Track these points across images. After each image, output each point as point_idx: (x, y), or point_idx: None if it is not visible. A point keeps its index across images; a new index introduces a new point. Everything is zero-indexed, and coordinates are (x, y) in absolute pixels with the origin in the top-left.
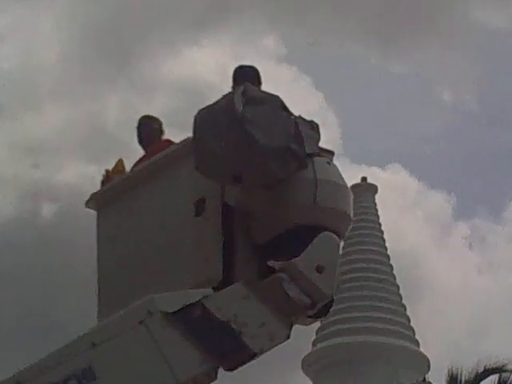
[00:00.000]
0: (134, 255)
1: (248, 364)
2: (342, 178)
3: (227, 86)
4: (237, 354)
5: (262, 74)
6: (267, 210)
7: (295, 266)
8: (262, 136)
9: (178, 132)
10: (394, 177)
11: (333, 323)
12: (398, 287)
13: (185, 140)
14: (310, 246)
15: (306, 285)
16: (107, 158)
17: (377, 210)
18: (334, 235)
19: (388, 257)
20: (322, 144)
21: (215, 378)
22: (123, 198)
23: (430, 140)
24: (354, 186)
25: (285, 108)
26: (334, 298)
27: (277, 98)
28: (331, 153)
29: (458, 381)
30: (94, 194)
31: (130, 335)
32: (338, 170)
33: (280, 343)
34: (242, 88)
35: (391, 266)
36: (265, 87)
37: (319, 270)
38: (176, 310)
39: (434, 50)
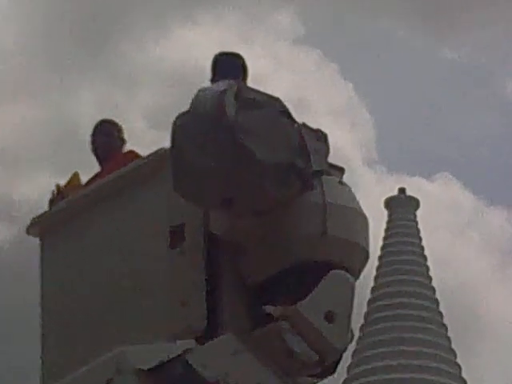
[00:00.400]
0: (88, 298)
1: None
2: (358, 203)
3: None
4: None
5: (275, 58)
6: (262, 242)
7: (299, 313)
8: (259, 149)
9: (166, 135)
10: (442, 189)
11: (366, 360)
12: (446, 328)
13: (157, 152)
14: (317, 287)
15: (313, 336)
16: (80, 168)
17: (418, 229)
18: (347, 274)
19: (433, 290)
20: (346, 150)
21: None
22: (74, 224)
23: (488, 144)
24: (390, 200)
25: (287, 114)
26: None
27: (277, 100)
28: (341, 170)
29: None
30: (38, 217)
31: None
32: (351, 191)
33: None
34: (234, 88)
35: (437, 302)
36: (279, 76)
37: (329, 317)
38: (152, 366)
39: (495, 30)
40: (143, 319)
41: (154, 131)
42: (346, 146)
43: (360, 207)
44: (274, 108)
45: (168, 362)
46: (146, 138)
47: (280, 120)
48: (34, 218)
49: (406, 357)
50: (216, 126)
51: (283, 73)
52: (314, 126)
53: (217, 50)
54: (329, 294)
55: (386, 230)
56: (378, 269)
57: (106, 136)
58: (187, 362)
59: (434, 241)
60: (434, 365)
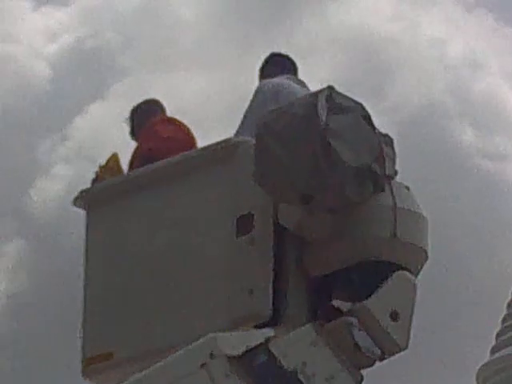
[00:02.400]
0: (138, 275)
1: None
2: (421, 208)
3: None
4: None
5: None
6: (331, 239)
7: (368, 310)
8: (344, 151)
9: None
10: None
11: None
12: None
13: (225, 141)
14: (383, 286)
15: (379, 333)
16: None
17: None
18: (412, 276)
19: None
20: None
21: None
22: (127, 201)
23: None
24: None
25: (368, 119)
26: None
27: (361, 106)
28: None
29: None
30: (86, 190)
31: (190, 381)
32: (415, 197)
33: None
34: (326, 91)
35: None
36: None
37: (394, 316)
38: (240, 353)
39: None
40: (202, 302)
41: None
42: None
43: (424, 213)
44: (358, 113)
45: (253, 349)
46: None
47: (363, 125)
48: (82, 190)
49: None
50: (308, 126)
51: (459, 37)
52: (490, 88)
53: (392, 16)
54: (394, 294)
55: None
56: None
57: (142, 114)
58: (269, 350)
59: None
60: None
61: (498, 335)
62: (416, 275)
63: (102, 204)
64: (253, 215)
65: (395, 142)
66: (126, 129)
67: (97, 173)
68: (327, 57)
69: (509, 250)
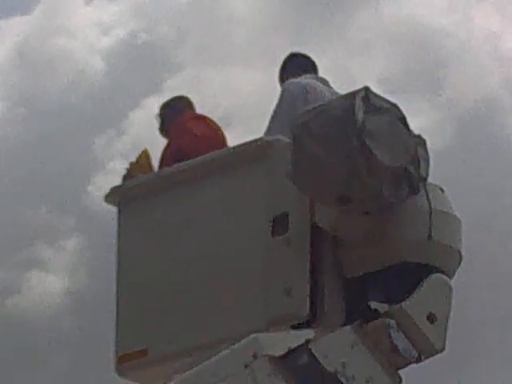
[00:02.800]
0: (172, 272)
1: None
2: (454, 209)
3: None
4: None
5: None
6: (367, 240)
7: (405, 312)
8: (382, 153)
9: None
10: None
11: None
12: None
13: (257, 141)
14: (420, 288)
15: (416, 335)
16: None
17: None
18: (448, 278)
19: None
20: None
21: None
22: (160, 198)
23: None
24: None
25: (404, 121)
26: None
27: (397, 107)
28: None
29: None
30: (117, 187)
31: (235, 380)
32: (449, 198)
33: None
34: (362, 92)
35: None
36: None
37: (431, 318)
38: (282, 354)
39: None
40: (237, 302)
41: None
42: None
43: (458, 215)
44: (393, 114)
45: (294, 350)
46: None
47: (399, 127)
48: (113, 187)
49: None
50: (346, 127)
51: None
52: None
53: (445, 9)
54: (431, 297)
55: None
56: None
57: (170, 112)
58: (311, 351)
59: None
60: None
61: None
62: (451, 277)
63: (133, 201)
64: (288, 215)
65: (453, 136)
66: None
67: (128, 169)
68: (381, 51)
69: None
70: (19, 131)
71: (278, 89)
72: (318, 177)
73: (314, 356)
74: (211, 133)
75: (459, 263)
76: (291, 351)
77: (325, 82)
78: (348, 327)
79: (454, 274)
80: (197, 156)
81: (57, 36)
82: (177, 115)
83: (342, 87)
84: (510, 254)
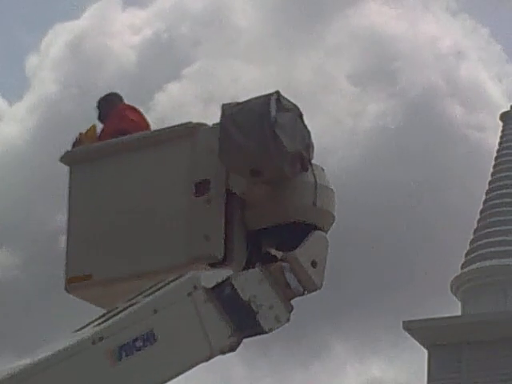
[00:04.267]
0: (113, 218)
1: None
2: (331, 183)
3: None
4: (251, 330)
5: None
6: (267, 203)
7: (296, 258)
8: (286, 140)
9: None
10: None
11: (482, 246)
12: None
13: (187, 123)
14: (306, 241)
15: (303, 276)
16: None
17: None
18: (325, 234)
19: None
20: None
21: (235, 350)
22: (104, 161)
23: None
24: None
25: (302, 117)
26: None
27: (297, 107)
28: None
29: None
30: (69, 151)
31: (181, 305)
32: (327, 175)
33: (283, 325)
34: (275, 95)
35: None
36: None
37: (313, 264)
38: (212, 286)
39: None
40: (166, 243)
41: None
42: None
43: (332, 186)
44: (296, 112)
45: (221, 283)
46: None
47: (298, 122)
48: (67, 151)
49: None
50: (262, 120)
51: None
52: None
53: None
54: (314, 247)
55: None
56: (494, 166)
57: (107, 103)
58: (232, 284)
59: None
60: None
61: (466, 254)
62: (327, 233)
63: (82, 163)
64: (209, 181)
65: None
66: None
67: (77, 138)
68: (349, 52)
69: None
70: (71, 108)
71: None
72: (237, 155)
73: (235, 288)
74: (141, 119)
75: (333, 223)
76: (219, 284)
77: None
78: (257, 268)
79: (328, 231)
80: (129, 133)
81: (100, 35)
82: (111, 106)
83: (319, 81)
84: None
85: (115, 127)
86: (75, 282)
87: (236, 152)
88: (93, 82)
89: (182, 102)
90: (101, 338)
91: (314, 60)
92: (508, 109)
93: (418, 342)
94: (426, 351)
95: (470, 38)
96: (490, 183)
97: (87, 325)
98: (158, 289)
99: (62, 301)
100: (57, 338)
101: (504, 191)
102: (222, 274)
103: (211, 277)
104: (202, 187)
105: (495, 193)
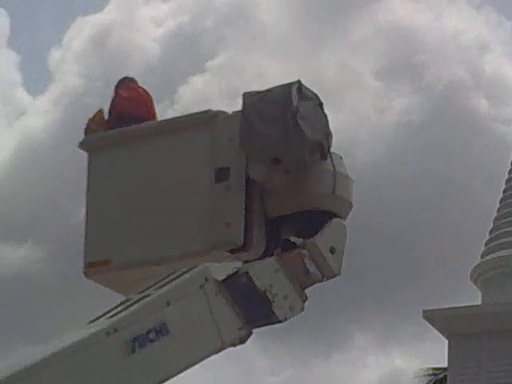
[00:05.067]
0: (132, 203)
1: None
2: (349, 171)
3: None
4: (266, 319)
5: None
6: (287, 190)
7: (315, 245)
8: (307, 130)
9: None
10: None
11: (500, 236)
12: None
13: (207, 111)
14: (324, 229)
15: (322, 262)
16: None
17: None
18: (344, 222)
19: None
20: None
21: (245, 342)
22: (124, 147)
23: None
24: None
25: (322, 106)
26: None
27: (317, 97)
28: None
29: None
30: (88, 137)
31: (193, 297)
32: (346, 164)
33: (297, 314)
34: (296, 84)
35: None
36: None
37: (332, 251)
38: (224, 278)
39: None
40: (186, 230)
41: None
42: None
43: (350, 174)
44: (316, 101)
45: (236, 273)
46: None
47: (318, 111)
48: (85, 138)
49: None
50: (284, 110)
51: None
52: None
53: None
54: (332, 235)
55: None
56: None
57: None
58: (248, 274)
59: None
60: None
61: (486, 243)
62: (345, 220)
63: (101, 149)
64: (229, 168)
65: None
66: None
67: (87, 124)
68: (374, 47)
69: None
70: (95, 100)
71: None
72: (259, 143)
73: (251, 278)
74: (135, 94)
75: (350, 211)
76: (234, 274)
77: None
78: (273, 258)
79: (346, 218)
80: (127, 112)
81: (123, 28)
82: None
83: (344, 77)
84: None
85: (110, 110)
86: (94, 267)
87: (257, 140)
88: (116, 75)
89: (205, 95)
90: (115, 330)
91: (338, 55)
92: None
93: (438, 331)
94: (446, 341)
95: (494, 32)
96: (509, 172)
97: (101, 316)
98: (171, 281)
99: (85, 293)
100: (71, 329)
101: None
102: (232, 266)
103: (222, 269)
104: (222, 174)
105: None
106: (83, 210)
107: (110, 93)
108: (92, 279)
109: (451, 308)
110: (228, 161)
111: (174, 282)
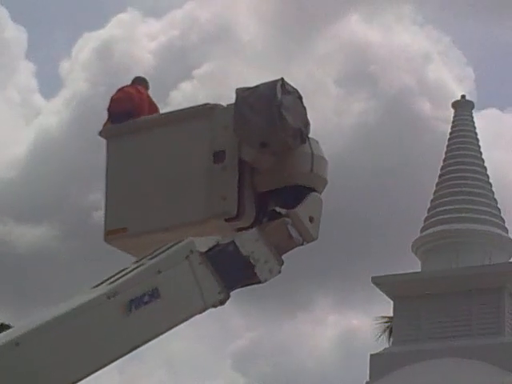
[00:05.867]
0: (144, 181)
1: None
2: (324, 153)
3: None
4: (249, 280)
5: None
6: (273, 170)
7: (297, 214)
8: (290, 119)
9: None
10: None
11: (437, 213)
12: (490, 185)
13: (205, 104)
14: (304, 201)
15: (302, 229)
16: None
17: (474, 122)
18: (320, 196)
19: (483, 161)
20: None
21: (224, 303)
22: (137, 134)
23: None
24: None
25: (301, 99)
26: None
27: (298, 91)
28: None
29: None
30: (106, 127)
31: (180, 267)
32: (321, 147)
33: (275, 276)
34: (280, 81)
35: (485, 168)
36: None
37: (311, 219)
38: (206, 250)
39: None
40: (190, 202)
41: None
42: None
43: (326, 156)
44: (297, 95)
45: (223, 243)
46: None
47: (299, 103)
48: (104, 127)
49: (465, 203)
50: (270, 101)
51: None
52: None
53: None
54: (311, 206)
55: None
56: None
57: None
58: (234, 242)
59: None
60: (483, 208)
61: (425, 220)
62: (321, 194)
63: (118, 136)
64: (225, 151)
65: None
66: None
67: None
68: (336, 59)
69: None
70: (100, 103)
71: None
72: (250, 130)
73: (236, 245)
74: (121, 95)
75: (325, 186)
76: (214, 246)
77: None
78: (254, 229)
79: (322, 192)
80: (115, 111)
81: (122, 42)
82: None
83: (310, 86)
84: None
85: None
86: (113, 234)
87: (248, 127)
88: (117, 81)
89: (194, 98)
90: (115, 294)
91: (306, 67)
92: (459, 98)
93: (385, 294)
94: (391, 302)
95: (434, 45)
96: (443, 161)
97: (103, 282)
98: (161, 252)
99: (94, 265)
100: (78, 293)
101: (455, 167)
102: (213, 239)
103: (205, 242)
104: (219, 156)
105: (447, 169)
106: (93, 200)
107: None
108: (111, 244)
109: (395, 274)
110: (224, 145)
111: (164, 253)
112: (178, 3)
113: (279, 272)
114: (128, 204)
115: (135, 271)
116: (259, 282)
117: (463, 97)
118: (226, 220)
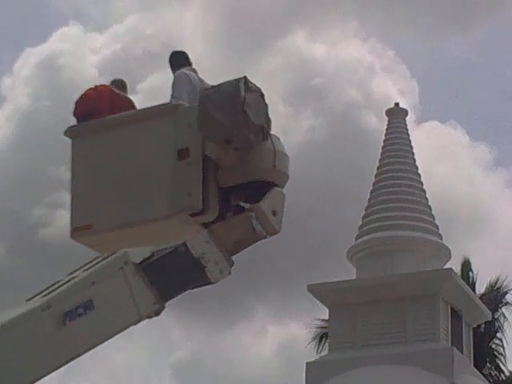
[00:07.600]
0: (109, 179)
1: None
2: (286, 150)
3: None
4: (201, 281)
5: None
6: (236, 165)
7: (261, 209)
8: (253, 115)
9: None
10: None
11: (371, 221)
12: (424, 192)
13: (166, 103)
14: (267, 196)
15: (265, 223)
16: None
17: (407, 129)
18: (283, 190)
19: (417, 167)
20: None
21: (159, 314)
22: (102, 133)
23: None
24: (388, 110)
25: (263, 97)
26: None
27: (260, 89)
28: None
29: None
30: (72, 126)
31: (114, 278)
32: (283, 144)
33: (226, 277)
34: (243, 79)
35: (419, 175)
36: None
37: (274, 213)
38: (141, 261)
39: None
40: (156, 198)
41: None
42: None
43: (287, 152)
44: (259, 93)
45: (151, 256)
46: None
47: (261, 100)
48: (69, 126)
49: (399, 210)
50: (234, 99)
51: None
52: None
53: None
54: (274, 200)
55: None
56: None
57: None
58: (185, 244)
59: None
60: (417, 215)
61: (360, 227)
62: (283, 188)
63: (83, 135)
64: (188, 148)
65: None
66: None
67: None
68: (283, 75)
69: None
70: (43, 117)
71: None
72: (214, 127)
73: (187, 247)
74: (81, 98)
75: (287, 181)
76: (149, 257)
77: (195, 71)
78: (204, 231)
79: (284, 187)
80: (78, 113)
81: (65, 56)
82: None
83: None
84: None
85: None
86: (78, 231)
87: (213, 124)
88: (60, 97)
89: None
90: (49, 306)
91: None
92: (392, 106)
93: (321, 302)
94: (327, 310)
95: (378, 59)
96: (377, 168)
97: (37, 294)
98: (95, 264)
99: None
100: (12, 306)
101: (388, 175)
102: (148, 250)
103: (139, 253)
104: (183, 153)
105: (381, 176)
106: (38, 215)
107: (57, 111)
108: (77, 241)
109: (330, 282)
110: (188, 142)
111: (98, 265)
112: (120, 18)
113: (229, 273)
114: (93, 201)
115: (69, 283)
116: (210, 283)
117: (397, 104)
118: (191, 215)
